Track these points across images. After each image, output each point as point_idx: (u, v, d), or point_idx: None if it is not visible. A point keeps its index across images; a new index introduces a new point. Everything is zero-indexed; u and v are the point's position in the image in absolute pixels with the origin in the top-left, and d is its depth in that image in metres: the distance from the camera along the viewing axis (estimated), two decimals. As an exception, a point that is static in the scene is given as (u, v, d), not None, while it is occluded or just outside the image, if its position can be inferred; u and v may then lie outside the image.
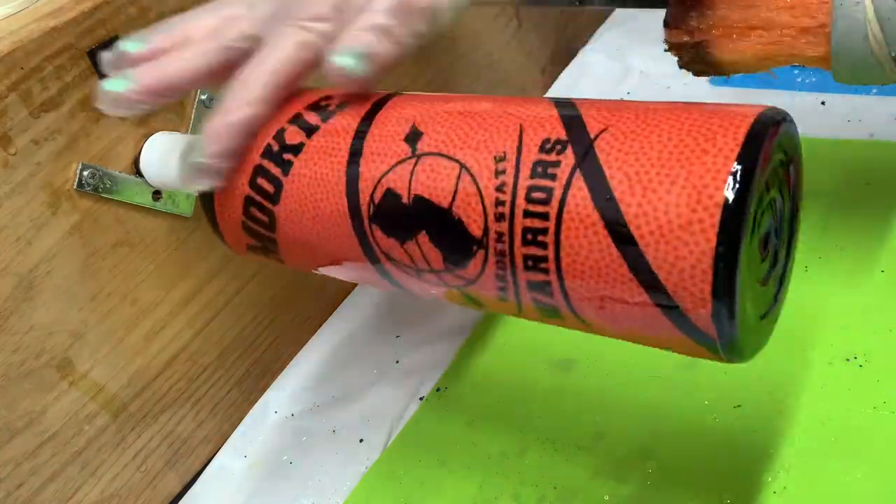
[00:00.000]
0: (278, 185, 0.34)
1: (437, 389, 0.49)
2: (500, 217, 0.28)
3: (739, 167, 0.25)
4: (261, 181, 0.35)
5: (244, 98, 0.34)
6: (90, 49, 0.40)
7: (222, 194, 0.36)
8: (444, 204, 0.30)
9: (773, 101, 0.29)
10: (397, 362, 0.52)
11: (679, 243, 0.25)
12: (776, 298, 0.30)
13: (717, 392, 0.43)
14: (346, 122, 0.34)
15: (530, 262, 0.28)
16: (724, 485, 0.39)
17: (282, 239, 0.35)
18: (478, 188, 0.29)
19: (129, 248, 0.44)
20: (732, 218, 0.25)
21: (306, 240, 0.34)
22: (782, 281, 0.30)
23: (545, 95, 0.73)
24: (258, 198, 0.35)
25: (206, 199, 0.37)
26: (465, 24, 0.66)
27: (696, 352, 0.28)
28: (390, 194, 0.31)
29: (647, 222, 0.26)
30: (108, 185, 0.42)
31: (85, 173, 0.41)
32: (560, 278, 0.28)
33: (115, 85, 0.36)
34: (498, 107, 0.31)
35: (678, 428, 0.43)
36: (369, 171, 0.32)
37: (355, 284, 0.58)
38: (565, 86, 0.73)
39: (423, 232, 0.30)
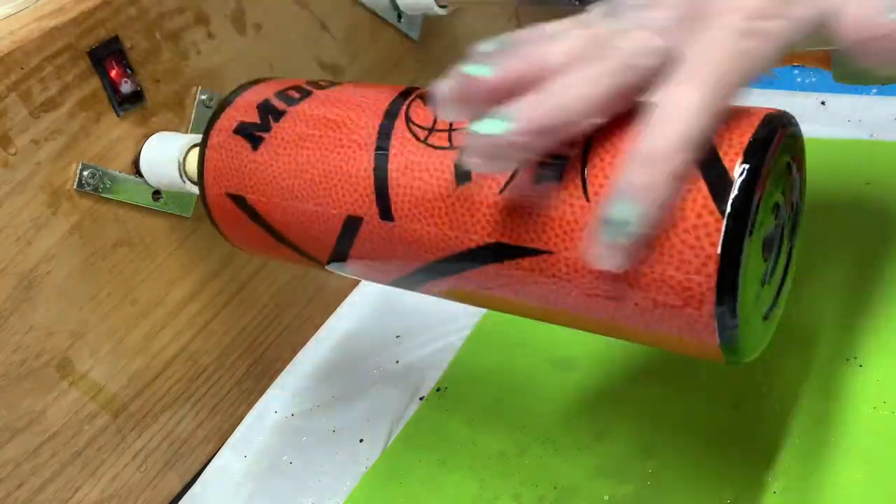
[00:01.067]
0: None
1: (437, 389, 0.49)
2: None
3: (745, 168, 0.25)
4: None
5: (673, 142, 0.25)
6: (90, 49, 0.40)
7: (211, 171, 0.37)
8: None
9: (773, 101, 0.29)
10: (397, 362, 0.52)
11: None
12: (777, 299, 0.30)
13: (717, 392, 0.43)
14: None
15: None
16: (724, 485, 0.39)
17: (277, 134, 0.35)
18: None
19: (129, 248, 0.44)
20: (736, 220, 0.25)
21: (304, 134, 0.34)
22: (783, 282, 0.30)
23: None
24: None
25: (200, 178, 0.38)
26: (465, 24, 0.66)
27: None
28: None
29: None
30: (108, 185, 0.42)
31: (85, 173, 0.41)
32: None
33: (491, 126, 0.26)
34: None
35: (678, 428, 0.42)
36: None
37: (355, 284, 0.58)
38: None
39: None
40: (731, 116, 0.27)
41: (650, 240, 0.26)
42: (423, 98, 0.32)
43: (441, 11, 0.56)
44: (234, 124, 0.36)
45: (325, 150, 0.33)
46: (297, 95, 0.36)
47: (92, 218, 0.42)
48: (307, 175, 0.34)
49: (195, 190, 0.41)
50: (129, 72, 0.42)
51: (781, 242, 0.29)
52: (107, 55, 0.41)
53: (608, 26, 0.27)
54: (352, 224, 0.33)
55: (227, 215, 0.37)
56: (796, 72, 0.65)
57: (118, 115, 0.42)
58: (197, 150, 0.41)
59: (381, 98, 0.33)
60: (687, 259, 0.25)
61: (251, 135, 0.35)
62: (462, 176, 0.30)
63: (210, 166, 0.37)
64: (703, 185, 0.25)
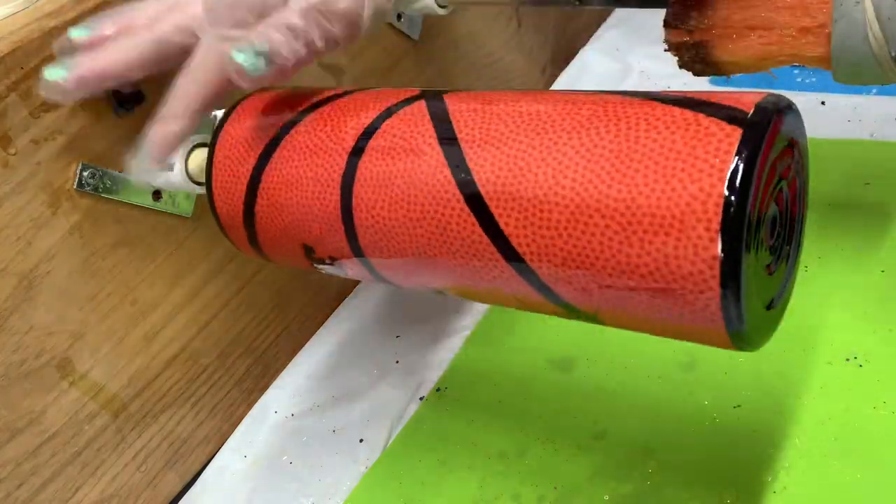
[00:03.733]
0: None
1: (437, 389, 0.49)
2: None
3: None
4: None
5: (175, 110, 0.36)
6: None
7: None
8: None
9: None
10: (397, 362, 0.52)
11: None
12: (782, 289, 0.30)
13: (717, 392, 0.43)
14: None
15: None
16: (724, 485, 0.39)
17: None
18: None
19: (129, 248, 0.44)
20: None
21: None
22: (789, 273, 0.31)
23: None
24: None
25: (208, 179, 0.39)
26: (465, 24, 0.66)
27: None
28: None
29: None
30: (108, 185, 0.42)
31: (85, 173, 0.41)
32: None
33: (53, 73, 0.36)
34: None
35: (678, 428, 0.43)
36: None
37: (355, 284, 0.58)
38: (565, 85, 0.73)
39: None
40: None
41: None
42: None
43: (441, 11, 0.56)
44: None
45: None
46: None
47: (92, 218, 0.42)
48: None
49: (197, 190, 0.41)
50: (129, 72, 0.42)
51: (786, 231, 0.29)
52: (107, 55, 0.41)
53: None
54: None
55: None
56: (796, 72, 0.65)
57: (118, 115, 0.42)
58: (198, 150, 0.41)
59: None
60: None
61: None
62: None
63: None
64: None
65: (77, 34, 0.38)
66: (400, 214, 0.32)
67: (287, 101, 0.37)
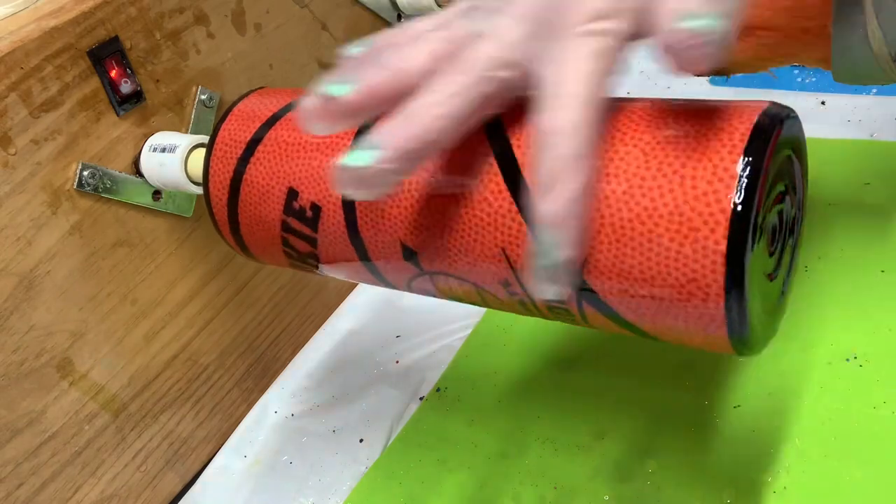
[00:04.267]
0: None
1: (437, 389, 0.49)
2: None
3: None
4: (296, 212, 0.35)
5: (565, 163, 0.25)
6: (90, 49, 0.40)
7: (251, 197, 0.36)
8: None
9: (773, 100, 0.29)
10: (397, 362, 0.52)
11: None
12: (782, 293, 0.30)
13: (717, 392, 0.43)
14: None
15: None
16: (724, 485, 0.39)
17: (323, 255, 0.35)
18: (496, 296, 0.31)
19: (129, 248, 0.44)
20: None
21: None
22: (788, 275, 0.31)
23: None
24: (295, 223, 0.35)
25: (233, 192, 0.37)
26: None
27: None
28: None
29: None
30: (108, 185, 0.42)
31: (85, 173, 0.41)
32: None
33: (359, 158, 0.26)
34: (473, 226, 0.30)
35: (678, 428, 0.42)
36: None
37: (355, 284, 0.58)
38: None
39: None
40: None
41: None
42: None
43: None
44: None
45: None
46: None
47: (92, 218, 0.42)
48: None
49: (196, 190, 0.41)
50: (129, 72, 0.42)
51: (786, 236, 0.30)
52: (107, 55, 0.41)
53: (467, 29, 0.28)
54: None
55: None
56: (796, 72, 0.65)
57: (118, 115, 0.42)
58: (197, 150, 0.41)
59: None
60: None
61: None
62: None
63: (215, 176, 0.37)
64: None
65: (340, 91, 0.28)
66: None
67: (275, 99, 0.37)
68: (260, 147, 0.35)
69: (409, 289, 0.34)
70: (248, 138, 0.36)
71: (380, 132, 0.27)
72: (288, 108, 0.36)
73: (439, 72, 0.27)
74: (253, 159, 0.35)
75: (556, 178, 0.25)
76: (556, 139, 0.25)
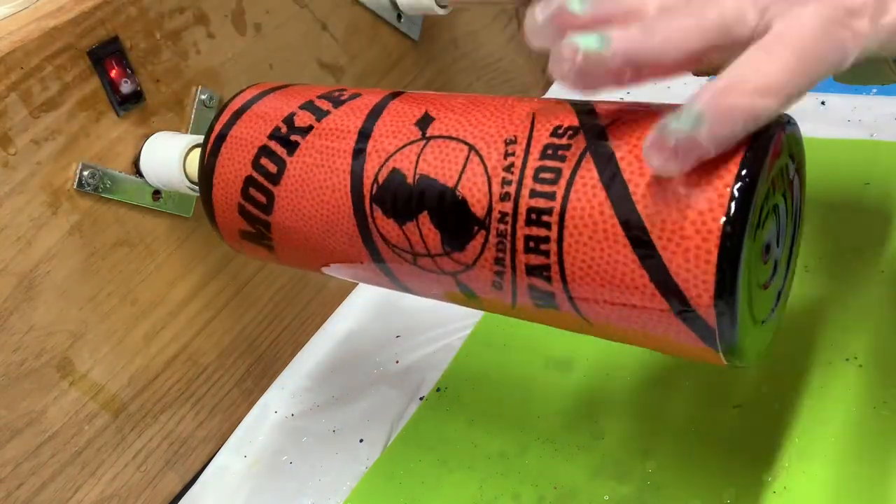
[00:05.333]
0: (281, 166, 0.34)
1: (437, 389, 0.49)
2: (504, 197, 0.28)
3: (743, 173, 0.25)
4: (264, 161, 0.34)
5: (761, 83, 0.25)
6: (90, 49, 0.40)
7: (222, 175, 0.36)
8: (450, 183, 0.30)
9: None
10: (397, 362, 0.52)
11: (682, 244, 0.25)
12: (777, 303, 0.30)
13: (717, 392, 0.43)
14: (357, 107, 0.34)
15: (532, 244, 0.28)
16: (724, 485, 0.39)
17: (277, 221, 0.35)
18: (485, 168, 0.29)
19: (129, 248, 0.44)
20: (735, 225, 0.25)
21: (303, 224, 0.34)
22: (784, 283, 0.30)
23: (545, 96, 0.73)
24: (259, 178, 0.35)
25: (205, 181, 0.37)
26: (465, 24, 0.66)
27: (696, 354, 0.28)
28: (396, 174, 0.31)
29: (661, 223, 0.26)
30: (108, 185, 0.42)
31: (85, 173, 0.41)
32: (560, 260, 0.28)
33: (591, 42, 0.26)
34: (512, 99, 0.31)
35: (678, 428, 0.42)
36: (377, 151, 0.32)
37: (355, 284, 0.58)
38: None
39: (425, 212, 0.30)
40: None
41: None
42: (379, 205, 0.32)
43: (441, 11, 0.56)
44: (235, 206, 0.36)
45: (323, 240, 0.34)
46: (282, 152, 0.35)
47: (92, 218, 0.42)
48: (321, 262, 0.35)
49: (195, 190, 0.41)
50: (129, 72, 0.42)
51: (782, 245, 0.29)
52: (107, 55, 0.41)
53: None
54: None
55: (236, 237, 0.38)
56: (796, 72, 0.65)
57: (118, 115, 0.42)
58: (197, 150, 0.41)
59: (342, 194, 0.33)
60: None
61: (256, 229, 0.36)
62: (470, 295, 0.31)
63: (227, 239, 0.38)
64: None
65: (579, 7, 0.28)
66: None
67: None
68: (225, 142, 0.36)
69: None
70: (217, 134, 0.37)
71: (616, 31, 0.26)
72: (253, 102, 0.37)
73: (679, 9, 0.27)
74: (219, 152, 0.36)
75: (738, 90, 0.25)
76: (755, 65, 0.25)
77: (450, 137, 0.30)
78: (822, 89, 0.63)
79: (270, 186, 0.34)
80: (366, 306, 0.57)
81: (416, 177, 0.30)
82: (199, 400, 0.49)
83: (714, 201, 0.25)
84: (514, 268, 0.29)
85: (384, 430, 0.48)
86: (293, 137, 0.34)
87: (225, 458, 0.49)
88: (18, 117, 0.38)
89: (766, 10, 0.26)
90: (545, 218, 0.28)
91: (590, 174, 0.27)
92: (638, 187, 0.26)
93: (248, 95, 0.37)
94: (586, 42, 0.26)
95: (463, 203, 0.29)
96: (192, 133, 0.45)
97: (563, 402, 0.46)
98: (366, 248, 0.33)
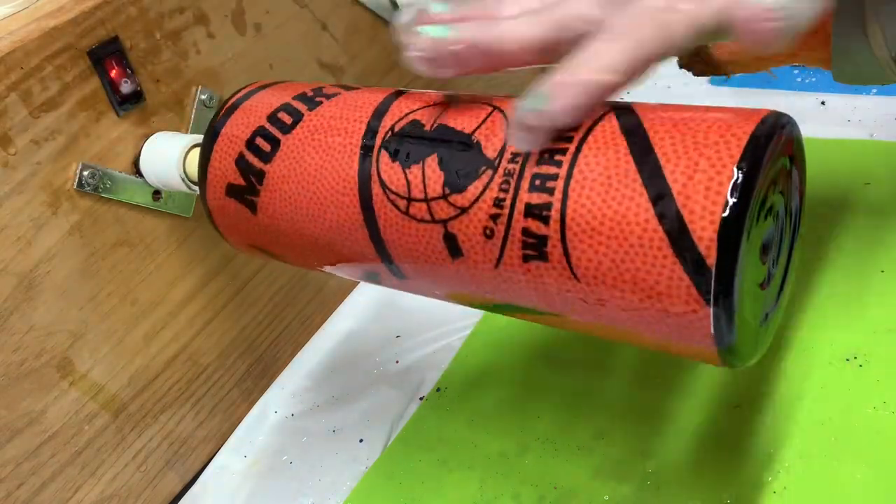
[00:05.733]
0: (275, 145, 0.35)
1: (437, 389, 0.49)
2: None
3: (740, 173, 0.25)
4: (259, 141, 0.35)
5: (598, 65, 0.28)
6: (90, 49, 0.40)
7: (215, 172, 0.36)
8: (467, 130, 0.30)
9: (773, 101, 0.29)
10: (397, 362, 0.52)
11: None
12: (776, 303, 0.30)
13: (717, 392, 0.43)
14: (363, 97, 0.34)
15: (538, 182, 0.28)
16: (724, 485, 0.39)
17: (274, 170, 0.35)
18: (506, 121, 0.30)
19: (129, 248, 0.44)
20: (732, 223, 0.25)
21: (301, 171, 0.34)
22: (783, 285, 0.30)
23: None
24: (251, 157, 0.35)
25: (202, 181, 0.37)
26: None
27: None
28: (414, 124, 0.32)
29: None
30: (108, 185, 0.42)
31: (85, 173, 0.41)
32: (564, 197, 0.28)
33: (437, 30, 0.30)
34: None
35: (678, 428, 0.43)
36: (398, 110, 0.33)
37: (355, 284, 0.58)
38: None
39: (434, 155, 0.31)
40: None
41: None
42: (387, 149, 0.32)
43: (441, 11, 0.56)
44: (224, 184, 0.37)
45: (316, 205, 0.34)
46: (288, 121, 0.35)
47: (92, 218, 0.42)
48: (307, 235, 0.35)
49: (195, 190, 0.41)
50: (129, 72, 0.42)
51: (781, 245, 0.29)
52: (107, 55, 0.41)
53: None
54: (372, 277, 0.35)
55: (227, 214, 0.37)
56: (796, 72, 0.65)
57: (118, 115, 0.42)
58: (197, 150, 0.41)
59: (350, 142, 0.33)
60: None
61: (244, 197, 0.36)
62: (454, 251, 0.31)
63: (217, 219, 0.38)
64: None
65: (438, 7, 0.31)
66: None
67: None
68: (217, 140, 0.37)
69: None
70: (211, 132, 0.37)
71: (461, 24, 0.30)
72: (246, 98, 0.37)
73: (529, 11, 0.31)
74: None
75: (575, 70, 0.28)
76: (591, 52, 0.28)
77: (475, 100, 0.32)
78: (822, 89, 0.63)
79: (280, 136, 0.35)
80: (366, 306, 0.57)
81: (435, 126, 0.31)
82: (199, 400, 0.49)
83: (712, 199, 0.25)
84: (512, 208, 0.29)
85: (384, 430, 0.48)
86: (289, 121, 0.35)
87: (225, 458, 0.49)
88: (18, 117, 0.38)
89: (604, 6, 0.29)
90: (558, 157, 0.28)
91: (610, 124, 0.28)
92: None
93: (242, 92, 0.38)
94: (434, 30, 0.30)
95: (477, 145, 0.30)
96: (192, 133, 0.45)
97: (563, 402, 0.46)
98: (359, 194, 0.32)
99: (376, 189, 0.32)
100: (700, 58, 0.44)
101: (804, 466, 0.39)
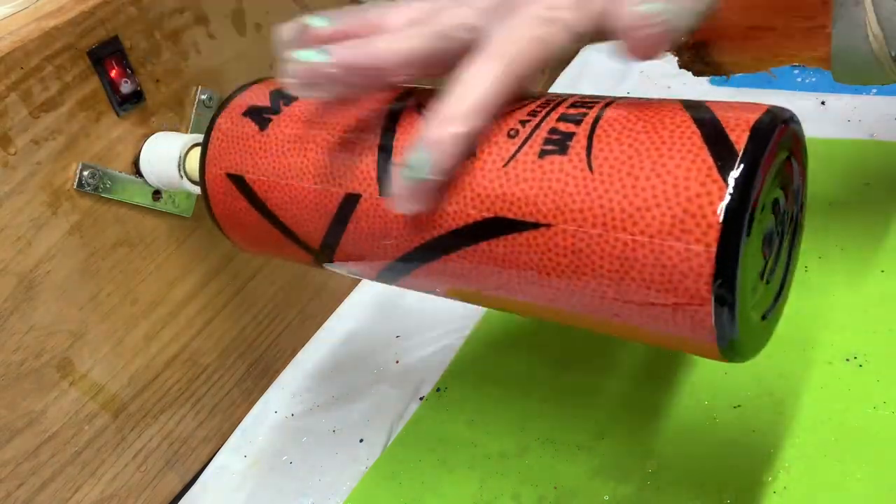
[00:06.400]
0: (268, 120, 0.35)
1: (437, 389, 0.49)
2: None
3: (742, 166, 0.25)
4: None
5: (468, 106, 0.29)
6: (90, 49, 0.40)
7: (212, 169, 0.37)
8: None
9: (773, 101, 0.29)
10: (397, 362, 0.52)
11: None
12: (778, 298, 0.30)
13: (717, 392, 0.43)
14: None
15: (573, 111, 0.29)
16: (724, 485, 0.39)
17: (275, 129, 0.35)
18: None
19: (129, 248, 0.44)
20: (734, 217, 0.25)
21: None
22: (784, 281, 0.30)
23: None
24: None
25: (202, 179, 0.37)
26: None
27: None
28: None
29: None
30: (108, 185, 0.42)
31: (85, 173, 0.41)
32: (599, 114, 0.28)
33: (311, 55, 0.30)
34: None
35: (678, 428, 0.42)
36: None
37: (355, 284, 0.58)
38: (566, 85, 0.73)
39: None
40: (729, 113, 0.27)
41: (646, 241, 0.26)
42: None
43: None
44: (245, 107, 0.36)
45: (332, 129, 0.33)
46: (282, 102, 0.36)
47: (92, 218, 0.42)
48: (311, 153, 0.33)
49: (195, 189, 0.41)
50: (129, 72, 0.42)
51: (782, 240, 0.29)
52: (107, 55, 0.41)
53: (445, 2, 0.32)
54: (349, 203, 0.32)
55: (224, 200, 0.37)
56: (796, 72, 0.65)
57: (118, 115, 0.42)
58: (197, 149, 0.41)
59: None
60: (684, 255, 0.25)
61: (260, 116, 0.36)
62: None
63: (213, 146, 0.37)
64: (701, 180, 0.25)
65: (319, 23, 0.32)
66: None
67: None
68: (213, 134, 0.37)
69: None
70: (208, 129, 0.37)
71: (335, 46, 0.30)
72: (238, 92, 0.37)
73: (411, 24, 0.31)
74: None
75: (456, 113, 0.28)
76: (468, 84, 0.29)
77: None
78: (822, 89, 0.63)
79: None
80: (366, 306, 0.57)
81: None
82: (199, 400, 0.49)
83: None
84: (546, 115, 0.29)
85: (384, 430, 0.48)
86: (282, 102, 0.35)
87: (225, 458, 0.49)
88: (18, 117, 0.38)
89: (487, 14, 0.30)
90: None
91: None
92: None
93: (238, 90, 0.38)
94: (308, 55, 0.30)
95: None
96: (192, 133, 0.45)
97: (563, 402, 0.46)
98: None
99: (409, 102, 0.33)
100: (700, 58, 0.44)
101: (804, 466, 0.39)
